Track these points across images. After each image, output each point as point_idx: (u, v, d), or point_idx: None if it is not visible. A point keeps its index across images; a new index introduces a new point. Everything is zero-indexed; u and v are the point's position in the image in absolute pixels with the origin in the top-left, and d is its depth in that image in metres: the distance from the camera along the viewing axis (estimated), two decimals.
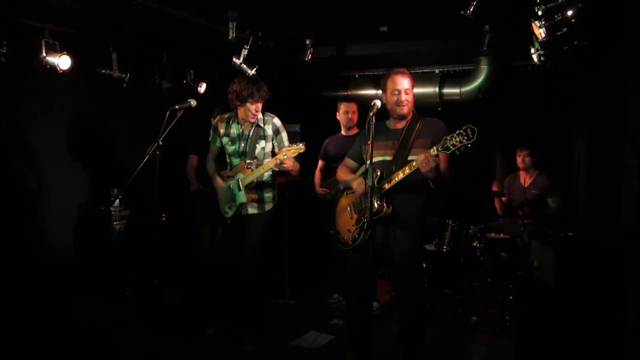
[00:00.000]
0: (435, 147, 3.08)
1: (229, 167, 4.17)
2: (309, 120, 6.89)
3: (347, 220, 3.60)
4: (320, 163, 5.39)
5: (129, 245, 4.82)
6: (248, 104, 3.89)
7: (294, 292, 5.38)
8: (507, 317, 4.63)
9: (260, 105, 3.95)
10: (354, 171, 3.73)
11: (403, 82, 3.42)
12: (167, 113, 3.58)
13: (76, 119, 4.91)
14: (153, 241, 4.80)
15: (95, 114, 5.10)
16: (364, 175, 3.39)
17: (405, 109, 3.43)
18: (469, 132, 2.92)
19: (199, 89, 5.60)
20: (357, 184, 3.49)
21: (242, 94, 3.87)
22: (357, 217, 3.50)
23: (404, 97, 3.41)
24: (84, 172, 5.00)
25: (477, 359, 4.33)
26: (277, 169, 3.89)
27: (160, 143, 3.49)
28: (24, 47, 4.22)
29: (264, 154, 4.05)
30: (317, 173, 5.40)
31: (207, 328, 4.40)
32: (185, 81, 5.58)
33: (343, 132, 5.22)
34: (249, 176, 3.95)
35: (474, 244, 5.12)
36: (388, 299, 5.30)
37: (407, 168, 3.22)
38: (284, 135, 4.07)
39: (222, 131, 4.10)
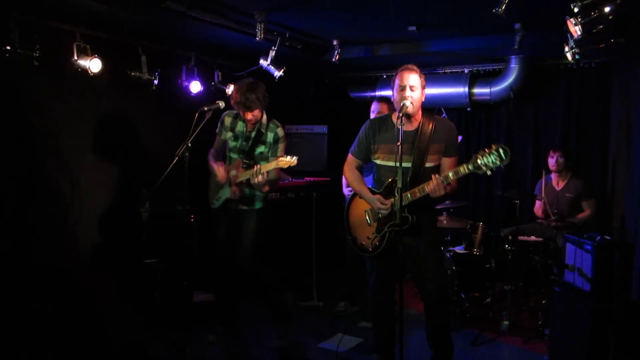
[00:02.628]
0: (465, 166, 3.00)
1: (227, 162, 4.20)
2: (336, 121, 6.86)
3: (364, 227, 3.52)
4: None
5: (158, 246, 4.86)
6: (242, 112, 3.95)
7: (321, 294, 5.35)
8: (539, 322, 4.53)
9: (250, 115, 3.94)
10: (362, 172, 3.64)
11: (409, 78, 3.25)
12: (196, 115, 3.59)
13: (107, 121, 4.97)
14: (182, 242, 4.83)
15: (125, 116, 5.15)
16: (388, 190, 3.33)
17: (410, 108, 3.21)
18: (502, 153, 2.83)
19: (227, 90, 5.62)
20: (379, 205, 3.36)
21: (238, 102, 3.91)
22: (377, 226, 3.43)
23: (408, 92, 3.23)
24: (114, 174, 5.05)
25: None
26: (257, 180, 3.81)
27: (189, 144, 3.50)
28: (56, 50, 4.29)
29: (261, 158, 4.06)
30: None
31: (208, 334, 4.39)
32: (213, 83, 5.61)
33: None
34: (241, 175, 3.96)
35: (506, 247, 5.02)
36: (414, 302, 5.24)
37: (417, 192, 3.19)
38: (281, 146, 4.04)
39: (228, 125, 4.14)
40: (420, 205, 3.27)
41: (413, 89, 3.25)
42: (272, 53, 4.94)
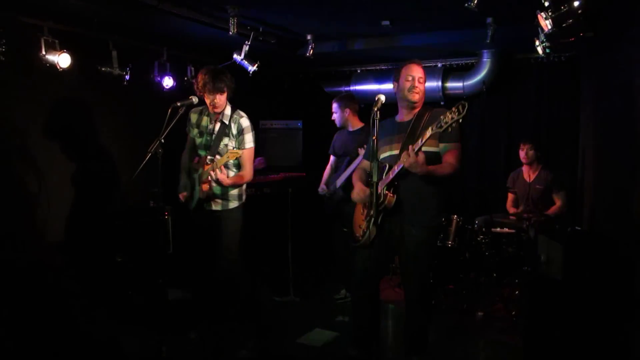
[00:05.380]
0: (431, 127, 3.16)
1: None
2: (311, 116, 6.85)
3: (359, 216, 3.62)
4: (330, 159, 5.34)
5: (132, 244, 4.79)
6: (205, 96, 3.81)
7: (298, 290, 5.35)
8: (513, 313, 4.60)
9: (218, 98, 3.80)
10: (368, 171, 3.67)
11: (418, 71, 3.49)
12: (169, 110, 3.54)
13: (76, 117, 4.88)
14: (156, 239, 4.77)
15: (96, 112, 5.06)
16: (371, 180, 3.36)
17: (416, 96, 3.47)
18: (460, 108, 3.08)
19: None
20: (356, 195, 3.58)
21: (200, 85, 3.80)
22: (366, 212, 3.49)
23: (417, 83, 3.46)
24: (84, 172, 4.97)
25: (483, 355, 4.30)
26: (215, 176, 3.74)
27: (162, 141, 3.45)
28: (23, 45, 4.19)
29: (227, 151, 3.87)
30: (327, 168, 5.35)
31: (191, 331, 4.34)
32: (186, 78, 5.55)
33: (349, 129, 5.14)
34: (204, 173, 3.87)
35: (479, 239, 5.09)
36: (394, 296, 5.28)
37: (395, 167, 3.29)
38: (247, 137, 3.89)
39: (194, 122, 4.05)
40: (413, 190, 3.34)
41: (420, 81, 3.48)
42: (245, 47, 4.91)
